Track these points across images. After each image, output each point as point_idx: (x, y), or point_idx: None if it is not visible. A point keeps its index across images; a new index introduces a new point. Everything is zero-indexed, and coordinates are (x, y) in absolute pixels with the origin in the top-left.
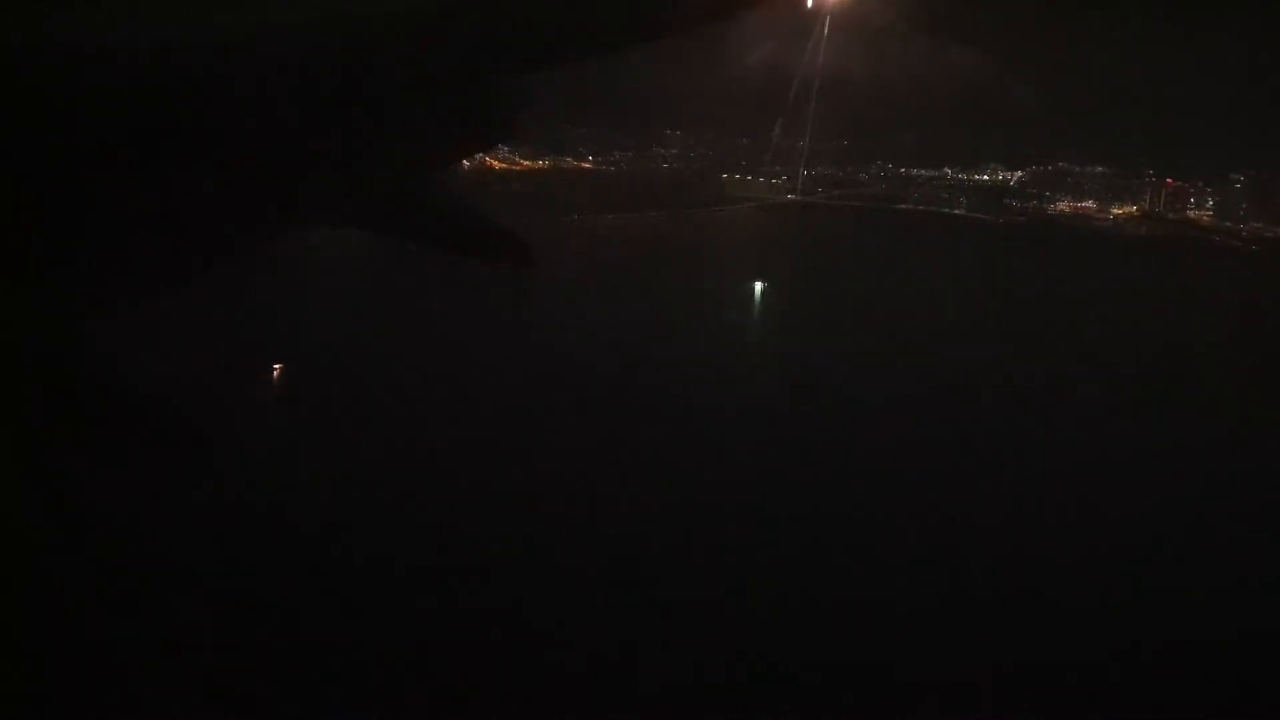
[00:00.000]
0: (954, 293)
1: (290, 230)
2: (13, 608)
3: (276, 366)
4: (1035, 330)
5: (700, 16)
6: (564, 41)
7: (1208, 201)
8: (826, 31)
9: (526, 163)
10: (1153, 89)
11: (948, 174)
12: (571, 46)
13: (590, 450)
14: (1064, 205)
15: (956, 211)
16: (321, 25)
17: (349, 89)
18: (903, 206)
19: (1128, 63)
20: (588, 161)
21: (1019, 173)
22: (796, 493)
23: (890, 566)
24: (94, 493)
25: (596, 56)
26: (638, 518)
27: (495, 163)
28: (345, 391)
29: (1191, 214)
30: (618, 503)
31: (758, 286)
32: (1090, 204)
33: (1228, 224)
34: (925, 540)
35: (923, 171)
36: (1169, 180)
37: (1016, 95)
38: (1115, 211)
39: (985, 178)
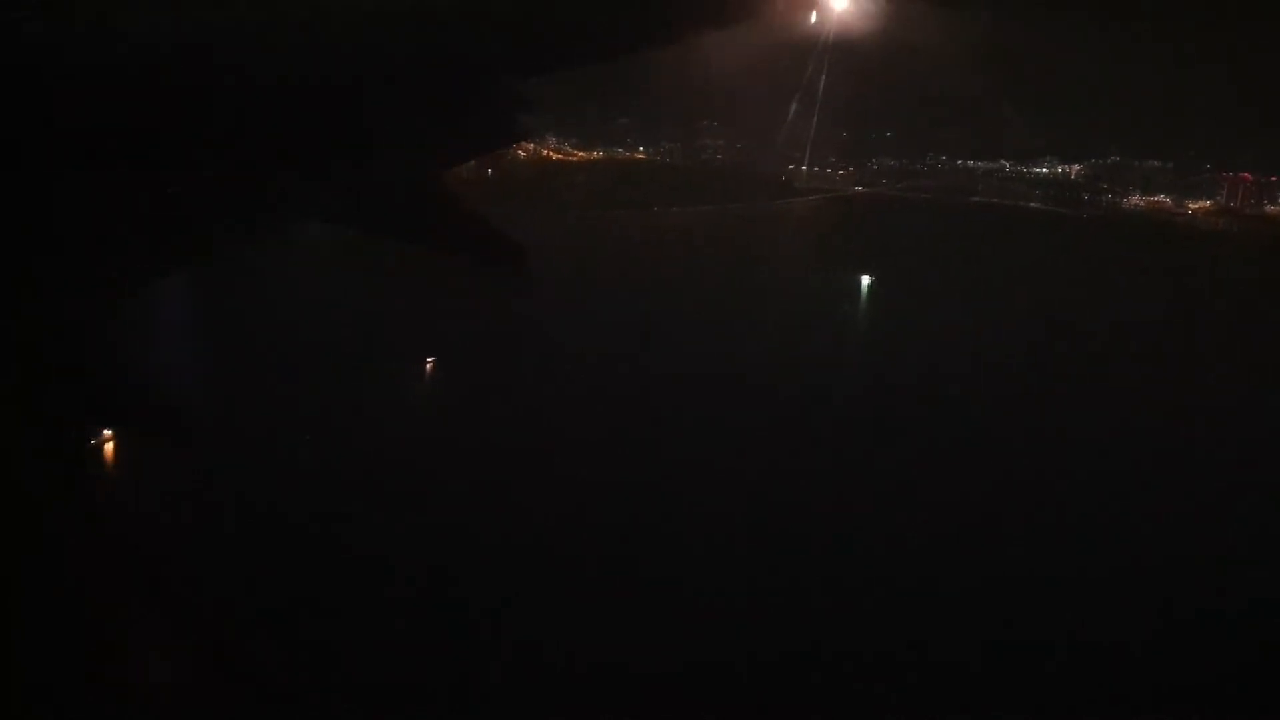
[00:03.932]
0: (1079, 290)
1: (288, 225)
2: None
3: (429, 360)
4: (1161, 326)
5: (709, 22)
6: (569, 45)
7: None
8: (869, 24)
9: (580, 154)
10: (1206, 83)
11: (1005, 166)
12: (577, 50)
13: (729, 448)
14: (1136, 199)
15: (1033, 205)
16: (322, 22)
17: (351, 87)
18: (976, 199)
19: (1180, 57)
20: (640, 152)
21: (1077, 166)
22: (924, 490)
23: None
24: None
25: (603, 61)
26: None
27: (551, 153)
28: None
29: (1269, 209)
30: (742, 497)
31: (866, 281)
32: (1163, 198)
33: None
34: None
35: (980, 164)
36: (1245, 175)
37: (1068, 88)
38: (1192, 206)
39: (1044, 170)
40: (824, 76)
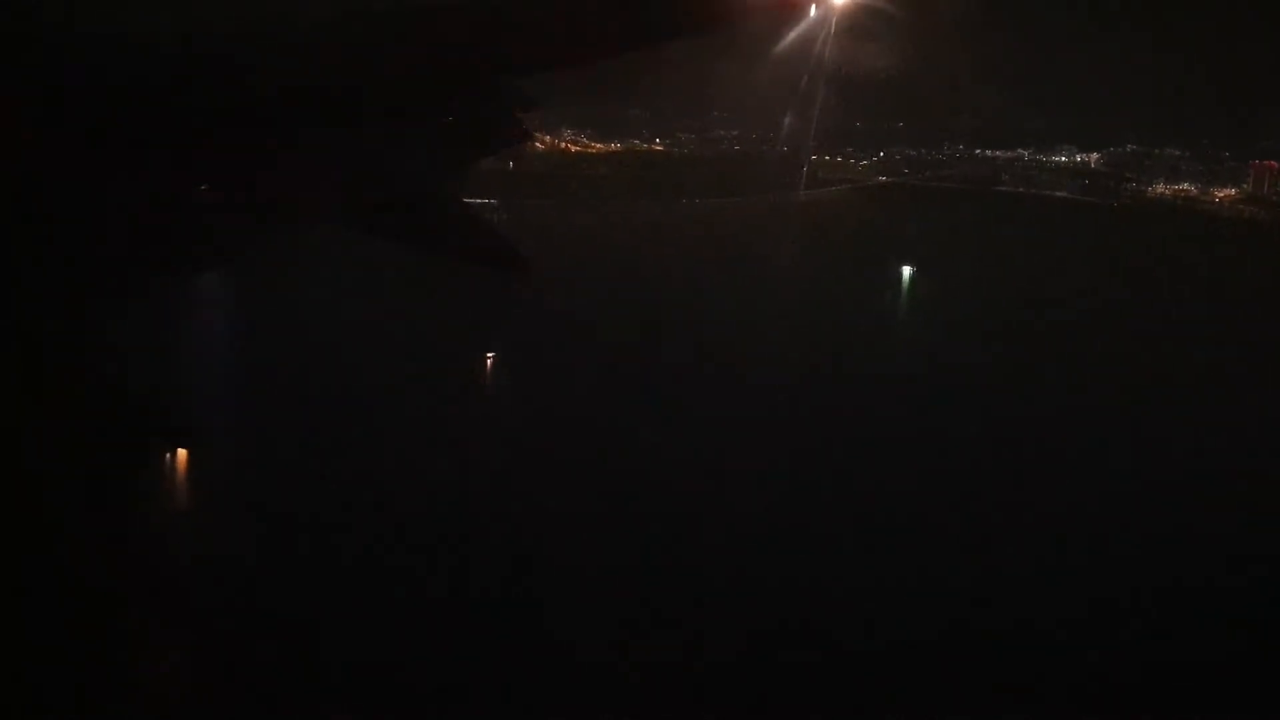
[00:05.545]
0: (1132, 282)
1: (296, 230)
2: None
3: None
4: (1216, 317)
5: (702, 24)
6: (568, 46)
7: None
8: (880, 13)
9: (598, 146)
10: (1222, 71)
11: (1024, 155)
12: (575, 51)
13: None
14: (1161, 188)
15: (1059, 194)
16: (325, 27)
17: (354, 93)
18: (1003, 189)
19: (1195, 45)
20: (656, 144)
21: (1095, 154)
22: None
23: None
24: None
25: (604, 59)
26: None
27: (570, 146)
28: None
29: None
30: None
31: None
32: (1188, 187)
33: None
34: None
35: (999, 153)
36: (1271, 163)
37: (1085, 76)
38: (1219, 195)
39: (1063, 159)
40: (837, 67)
